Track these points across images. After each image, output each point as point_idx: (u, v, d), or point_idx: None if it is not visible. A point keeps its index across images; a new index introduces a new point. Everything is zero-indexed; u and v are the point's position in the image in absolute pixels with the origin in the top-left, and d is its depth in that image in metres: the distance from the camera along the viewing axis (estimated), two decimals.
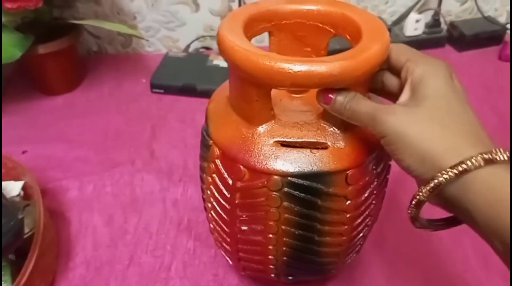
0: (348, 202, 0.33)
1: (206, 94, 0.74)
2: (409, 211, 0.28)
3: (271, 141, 0.33)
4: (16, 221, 0.41)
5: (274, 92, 0.32)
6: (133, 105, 0.74)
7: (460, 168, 0.25)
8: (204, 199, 0.41)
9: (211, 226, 0.41)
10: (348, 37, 0.34)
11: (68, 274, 0.48)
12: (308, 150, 0.32)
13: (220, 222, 0.39)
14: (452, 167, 0.25)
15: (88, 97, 0.76)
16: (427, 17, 0.86)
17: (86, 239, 0.52)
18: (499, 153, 0.25)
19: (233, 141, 0.33)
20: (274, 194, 0.33)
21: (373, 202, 0.36)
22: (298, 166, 0.32)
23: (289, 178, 0.32)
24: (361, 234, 0.38)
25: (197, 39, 0.85)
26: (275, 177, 0.32)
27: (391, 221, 0.51)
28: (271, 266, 0.39)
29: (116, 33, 0.84)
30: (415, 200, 0.27)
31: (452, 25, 0.88)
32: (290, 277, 0.41)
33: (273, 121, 0.33)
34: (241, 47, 0.30)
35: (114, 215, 0.55)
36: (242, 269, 0.42)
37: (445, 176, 0.25)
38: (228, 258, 0.43)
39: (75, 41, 0.75)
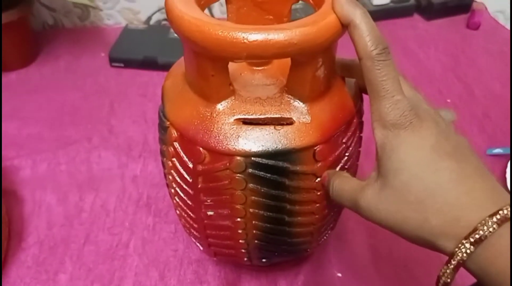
0: (318, 179, 0.32)
1: (168, 67, 0.71)
2: None
3: (232, 119, 0.30)
4: None
5: (233, 65, 0.30)
6: (91, 80, 0.70)
7: (476, 237, 0.22)
8: (167, 185, 0.39)
9: (177, 212, 0.39)
10: (311, 1, 0.32)
11: (20, 255, 0.46)
12: (272, 127, 0.30)
13: (185, 208, 0.37)
14: (467, 237, 0.22)
15: (43, 72, 0.72)
16: None
17: (40, 219, 0.50)
18: (509, 210, 0.22)
19: (191, 121, 0.31)
20: (238, 176, 0.30)
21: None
22: (262, 145, 0.29)
23: (252, 158, 0.30)
24: (333, 212, 0.37)
25: (158, 10, 0.82)
26: (238, 158, 0.30)
27: None
28: (243, 250, 0.37)
29: (72, 5, 0.80)
30: (441, 282, 0.24)
31: None
32: (263, 260, 0.39)
33: (233, 97, 0.30)
34: (190, 17, 0.27)
35: (69, 193, 0.52)
36: (214, 255, 0.40)
37: (463, 250, 0.22)
38: (198, 244, 0.41)
39: (27, 13, 0.70)
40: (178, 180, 0.34)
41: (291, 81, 0.30)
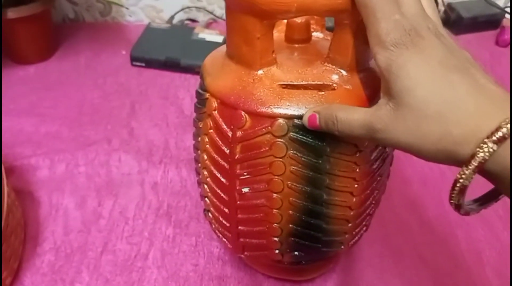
0: (358, 154, 0.31)
1: (191, 69, 0.70)
2: (452, 200, 0.24)
3: (274, 85, 0.30)
4: None
5: (275, 44, 0.30)
6: (112, 79, 0.68)
7: (499, 135, 0.21)
8: (197, 171, 0.37)
9: (206, 201, 0.38)
10: None
11: (36, 261, 0.45)
12: (315, 91, 0.30)
13: (217, 190, 0.35)
14: (489, 137, 0.21)
15: (62, 67, 0.71)
16: None
17: (56, 223, 0.48)
18: None
19: (233, 87, 0.31)
20: (279, 141, 0.30)
21: (383, 161, 0.34)
22: (305, 107, 0.29)
23: (295, 120, 0.29)
24: (370, 201, 0.36)
25: (182, 10, 0.80)
26: (280, 120, 0.29)
27: (394, 208, 0.49)
28: (275, 239, 0.35)
29: (95, 0, 0.78)
30: (458, 186, 0.23)
31: (449, 7, 0.84)
32: (295, 253, 0.37)
33: (275, 66, 0.31)
34: None
35: (88, 197, 0.51)
36: (242, 249, 0.38)
37: (486, 149, 0.21)
38: (225, 240, 0.39)
39: (49, 6, 0.69)
40: (214, 154, 0.34)
41: (333, 48, 0.30)
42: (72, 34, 0.78)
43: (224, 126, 0.32)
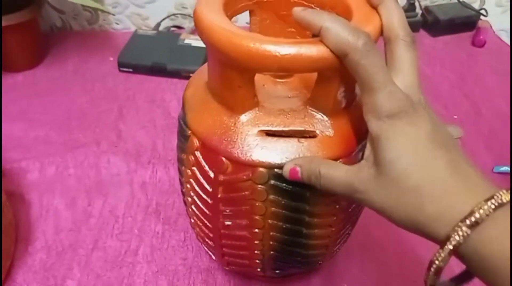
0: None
1: (177, 74, 0.72)
2: (427, 280, 0.25)
3: (255, 131, 0.30)
4: None
5: (257, 77, 0.29)
6: (99, 84, 0.70)
7: (472, 220, 0.22)
8: (183, 193, 0.38)
9: (192, 220, 0.39)
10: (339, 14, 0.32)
11: (27, 259, 0.46)
12: (295, 139, 0.30)
13: (201, 217, 0.36)
14: (463, 221, 0.22)
15: (50, 74, 0.72)
16: (402, 0, 0.85)
17: (47, 223, 0.49)
18: (503, 195, 0.23)
19: (214, 131, 0.31)
20: (260, 188, 0.30)
21: None
22: (286, 157, 0.29)
23: (275, 170, 0.30)
24: (349, 225, 0.37)
25: (167, 17, 0.82)
26: (261, 169, 0.30)
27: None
28: (257, 261, 0.37)
29: (81, 8, 0.80)
30: (434, 267, 0.24)
31: (427, 10, 0.87)
32: (277, 271, 0.39)
33: (256, 109, 0.30)
34: (221, 28, 0.27)
35: (78, 198, 0.52)
36: (227, 264, 0.40)
37: (460, 233, 0.22)
38: (211, 254, 0.41)
39: (36, 14, 0.70)
40: (197, 189, 0.34)
41: (315, 94, 0.30)
42: (60, 42, 0.79)
43: (207, 168, 0.32)
